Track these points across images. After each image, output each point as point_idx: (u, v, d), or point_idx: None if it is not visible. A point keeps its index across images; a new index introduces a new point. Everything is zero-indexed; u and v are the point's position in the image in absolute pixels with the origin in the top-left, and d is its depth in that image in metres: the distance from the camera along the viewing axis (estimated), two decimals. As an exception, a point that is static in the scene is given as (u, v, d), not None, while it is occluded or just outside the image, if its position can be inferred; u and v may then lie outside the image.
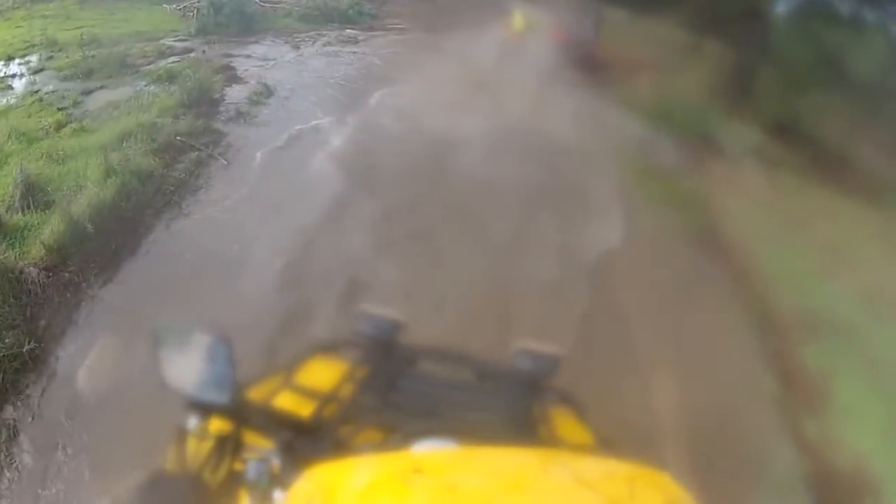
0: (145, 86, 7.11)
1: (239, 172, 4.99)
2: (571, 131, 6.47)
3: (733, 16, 8.36)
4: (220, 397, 1.07)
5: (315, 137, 5.67)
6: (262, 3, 10.05)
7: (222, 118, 5.98)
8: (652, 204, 5.07)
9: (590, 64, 8.32)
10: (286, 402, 1.33)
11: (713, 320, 4.04)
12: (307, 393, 1.35)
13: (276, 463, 1.05)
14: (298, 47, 8.47)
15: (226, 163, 5.13)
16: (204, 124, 5.72)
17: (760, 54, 8.07)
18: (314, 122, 5.94)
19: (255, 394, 1.36)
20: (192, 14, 9.67)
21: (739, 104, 7.41)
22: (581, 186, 5.33)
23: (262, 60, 7.85)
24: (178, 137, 5.35)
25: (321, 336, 2.65)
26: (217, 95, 6.53)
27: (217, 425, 1.15)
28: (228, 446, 1.11)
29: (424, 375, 1.48)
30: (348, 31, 9.16)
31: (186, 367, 1.09)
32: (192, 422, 1.15)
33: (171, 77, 7.11)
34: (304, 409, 1.28)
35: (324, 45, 8.50)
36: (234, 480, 1.08)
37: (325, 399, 1.31)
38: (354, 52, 8.34)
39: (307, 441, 1.10)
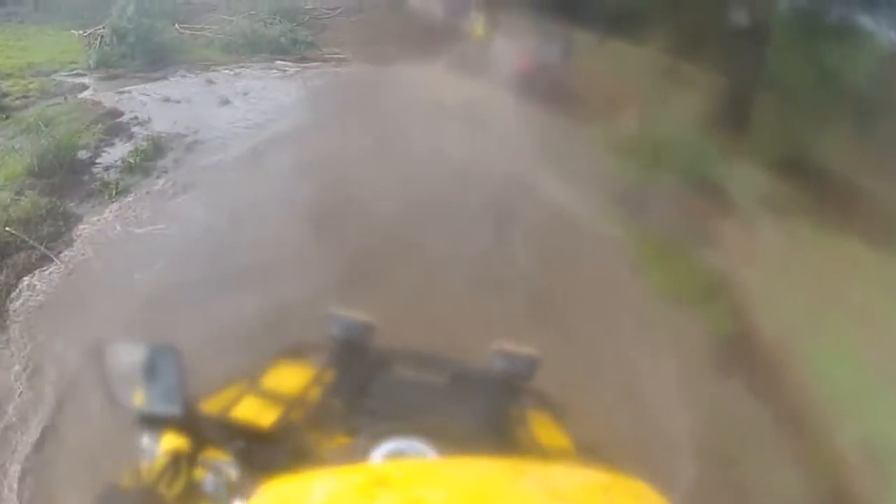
0: (9, 138, 5.61)
1: (81, 283, 3.49)
2: (545, 185, 5.23)
3: (720, 34, 7.29)
4: (171, 409, 1.00)
5: (201, 220, 4.21)
6: (180, 30, 8.60)
7: (82, 193, 4.47)
8: (663, 299, 3.77)
9: (560, 95, 7.16)
10: (250, 407, 1.26)
11: (767, 481, 2.77)
12: (272, 397, 1.29)
13: (233, 473, 1.00)
14: (213, 84, 7.03)
15: (65, 268, 3.62)
16: (51, 204, 4.20)
17: (755, 78, 6.96)
18: (202, 199, 4.46)
19: (219, 400, 1.29)
20: (95, 42, 8.17)
21: (737, 138, 6.30)
22: (566, 274, 4.00)
23: (163, 103, 6.38)
24: (7, 228, 3.85)
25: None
26: (86, 156, 5.03)
27: (171, 440, 1.06)
28: (183, 460, 1.02)
29: (396, 379, 1.43)
30: (278, 62, 7.74)
31: (134, 381, 1.03)
32: (145, 438, 1.09)
33: (47, 124, 5.62)
34: (268, 415, 1.22)
35: (245, 82, 7.07)
36: (192, 493, 1.01)
37: (291, 404, 1.26)
38: (281, 91, 6.92)
39: (265, 449, 1.05)
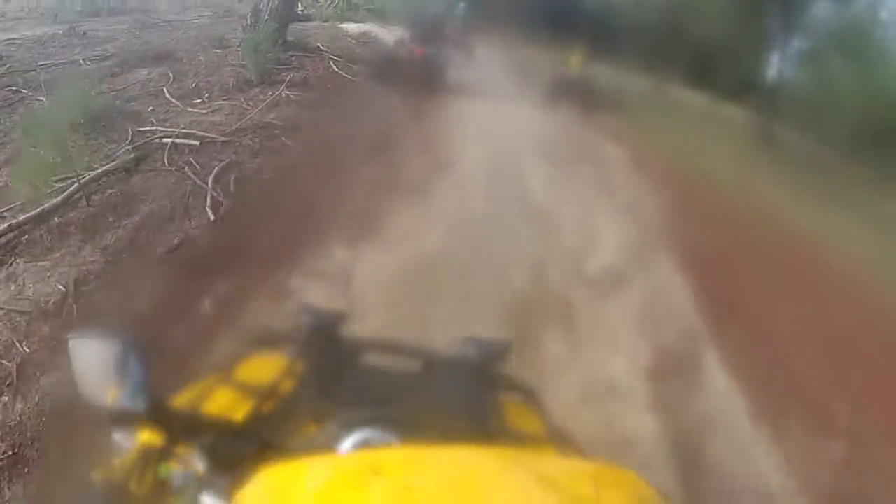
0: None
1: None
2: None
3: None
4: (136, 405, 0.98)
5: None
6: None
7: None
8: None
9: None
10: (223, 399, 1.24)
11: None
12: (245, 389, 1.26)
13: (199, 467, 0.98)
14: None
15: None
16: None
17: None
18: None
19: (192, 393, 1.25)
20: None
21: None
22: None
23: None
24: None
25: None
26: None
27: (144, 436, 1.06)
28: (153, 456, 1.02)
29: (369, 367, 1.38)
30: None
31: (100, 377, 1.01)
32: (117, 434, 1.09)
33: None
34: (240, 408, 1.20)
35: None
36: (162, 488, 1.00)
37: (264, 396, 1.23)
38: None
39: (234, 442, 1.01)
